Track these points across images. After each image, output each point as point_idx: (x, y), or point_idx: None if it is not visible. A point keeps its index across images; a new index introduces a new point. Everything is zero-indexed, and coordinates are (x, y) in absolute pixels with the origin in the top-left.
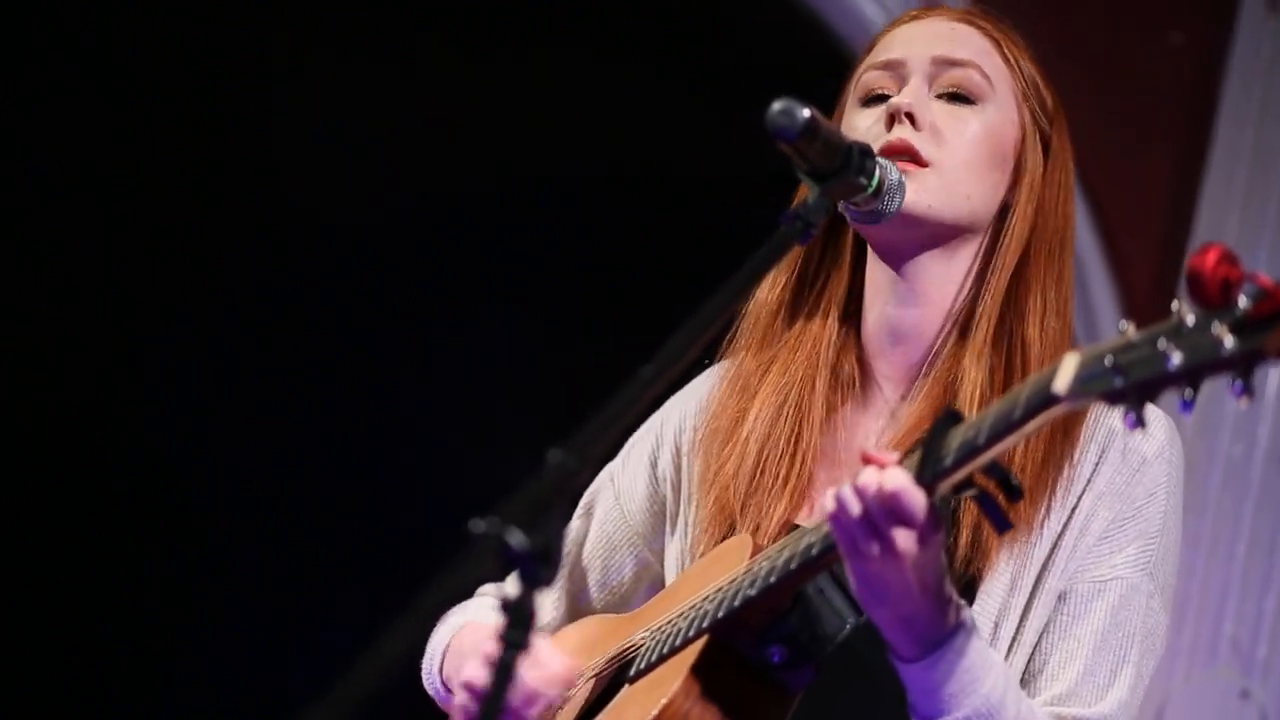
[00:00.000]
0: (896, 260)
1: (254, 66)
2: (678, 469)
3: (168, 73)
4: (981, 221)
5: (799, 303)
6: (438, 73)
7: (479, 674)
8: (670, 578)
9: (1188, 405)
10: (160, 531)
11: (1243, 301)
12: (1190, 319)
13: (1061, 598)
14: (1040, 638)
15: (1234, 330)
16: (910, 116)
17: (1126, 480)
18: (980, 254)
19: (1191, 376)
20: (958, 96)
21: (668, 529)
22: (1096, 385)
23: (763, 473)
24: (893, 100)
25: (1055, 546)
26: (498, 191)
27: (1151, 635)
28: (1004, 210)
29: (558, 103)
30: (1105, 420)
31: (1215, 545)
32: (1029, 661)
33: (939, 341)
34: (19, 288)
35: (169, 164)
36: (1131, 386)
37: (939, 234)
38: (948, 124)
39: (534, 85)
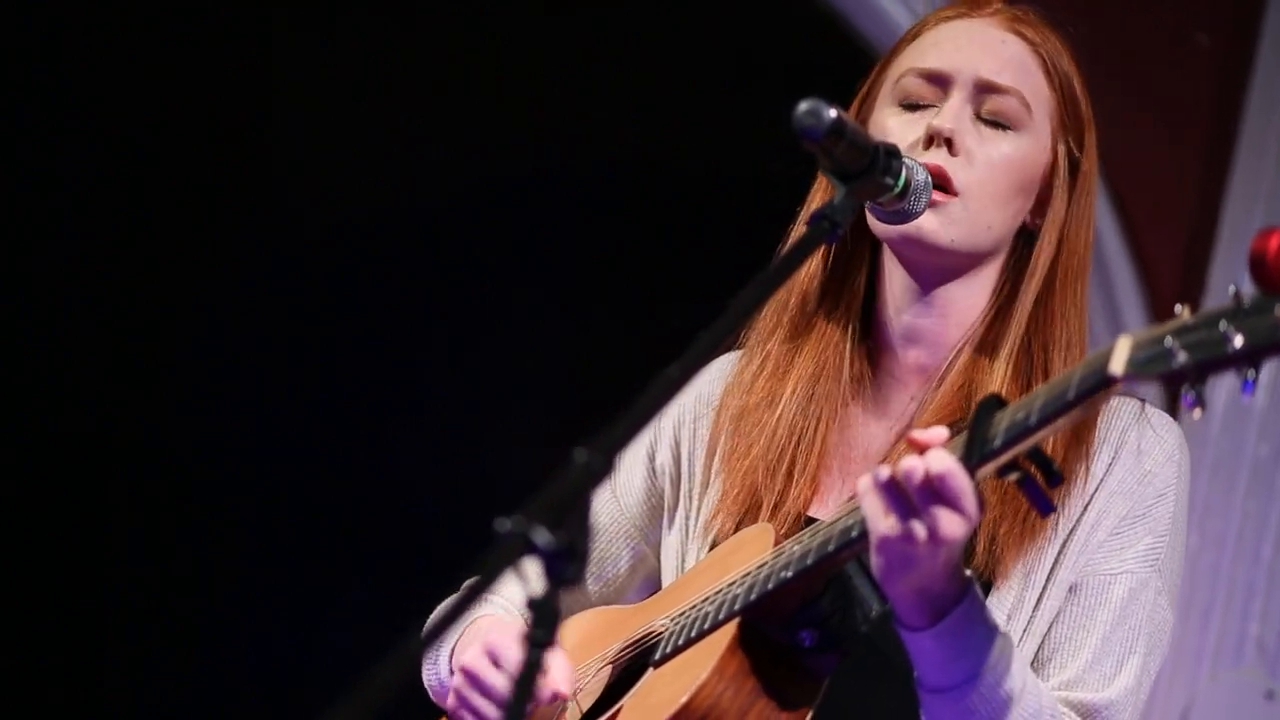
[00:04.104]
0: (916, 274)
1: (260, 54)
2: (677, 462)
3: (166, 71)
4: (1001, 245)
5: (826, 288)
6: (460, 63)
7: (478, 661)
8: (667, 571)
9: (1250, 386)
10: (176, 525)
11: None
12: (1248, 302)
13: (1072, 590)
14: (1050, 628)
15: None
16: (949, 141)
17: (1138, 480)
18: (1000, 274)
19: (1253, 357)
20: (997, 123)
21: (664, 522)
22: (1155, 366)
23: (789, 457)
24: (934, 124)
25: (1068, 541)
26: (516, 184)
27: (1158, 631)
28: (1024, 231)
29: (582, 97)
30: (1118, 422)
31: (1241, 546)
32: (1039, 650)
33: (955, 350)
34: (27, 282)
35: (190, 144)
36: (1193, 366)
37: (959, 262)
38: (982, 148)
39: (555, 79)
